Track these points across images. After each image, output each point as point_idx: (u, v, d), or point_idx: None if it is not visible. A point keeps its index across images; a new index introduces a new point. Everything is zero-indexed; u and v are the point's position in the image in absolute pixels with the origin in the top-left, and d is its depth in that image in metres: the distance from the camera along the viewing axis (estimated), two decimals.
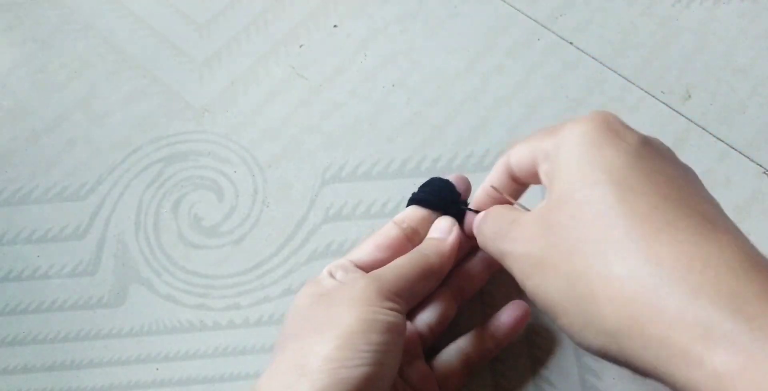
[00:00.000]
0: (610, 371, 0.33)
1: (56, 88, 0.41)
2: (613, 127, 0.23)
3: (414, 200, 0.32)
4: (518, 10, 0.42)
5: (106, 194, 0.38)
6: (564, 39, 0.41)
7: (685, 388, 0.18)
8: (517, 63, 0.40)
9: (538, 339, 0.34)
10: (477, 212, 0.29)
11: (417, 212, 0.32)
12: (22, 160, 0.40)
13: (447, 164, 0.38)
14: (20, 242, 0.38)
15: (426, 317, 0.31)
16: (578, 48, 0.41)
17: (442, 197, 0.32)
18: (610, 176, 0.21)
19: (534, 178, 0.26)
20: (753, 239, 0.21)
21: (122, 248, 0.37)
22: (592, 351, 0.21)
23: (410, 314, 0.31)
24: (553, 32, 0.41)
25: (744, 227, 0.22)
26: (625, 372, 0.33)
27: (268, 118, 0.40)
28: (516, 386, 0.33)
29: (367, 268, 0.30)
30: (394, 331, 0.25)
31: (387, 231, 0.31)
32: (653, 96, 0.39)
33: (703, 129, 0.38)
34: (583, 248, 0.21)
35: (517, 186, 0.29)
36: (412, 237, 0.31)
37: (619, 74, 0.40)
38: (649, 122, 0.38)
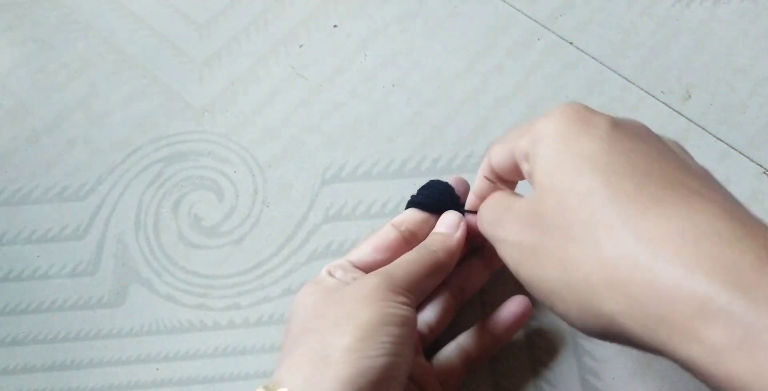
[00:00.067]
0: (610, 371, 0.33)
1: (56, 88, 0.41)
2: (583, 117, 0.23)
3: (413, 203, 0.32)
4: (518, 10, 0.42)
5: (106, 194, 0.38)
6: (564, 39, 0.41)
7: (687, 363, 0.18)
8: (517, 63, 0.40)
9: (538, 339, 0.34)
10: (476, 213, 0.29)
11: (415, 215, 0.32)
12: (22, 160, 0.40)
13: (447, 164, 0.38)
14: (20, 242, 0.38)
15: (426, 317, 0.31)
16: (578, 48, 0.41)
17: (441, 200, 0.32)
18: (590, 163, 0.21)
19: (519, 175, 0.26)
20: None
21: (122, 248, 0.37)
22: (593, 335, 0.21)
23: None
24: (553, 32, 0.41)
25: None
26: (625, 372, 0.33)
27: (268, 118, 0.40)
28: (516, 386, 0.33)
29: (365, 269, 0.30)
30: (408, 324, 0.26)
31: (385, 233, 0.31)
32: (653, 96, 0.39)
33: (703, 129, 0.38)
34: (573, 234, 0.21)
35: (505, 184, 0.29)
36: (410, 240, 0.31)
37: (619, 74, 0.40)
38: (649, 122, 0.38)
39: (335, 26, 0.42)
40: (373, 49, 0.41)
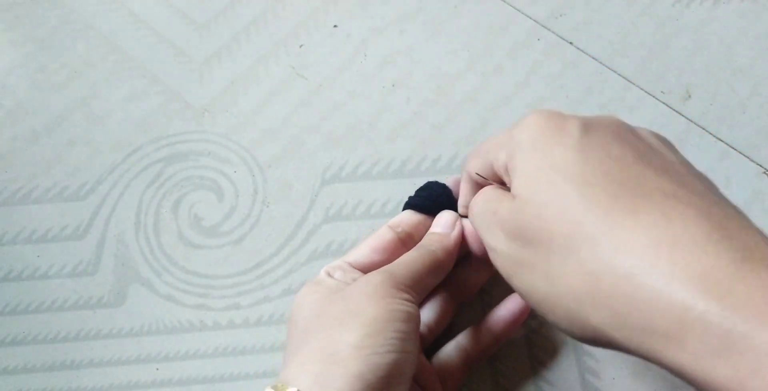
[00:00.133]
0: (610, 370, 0.33)
1: (56, 88, 0.41)
2: (555, 125, 0.23)
3: (410, 205, 0.33)
4: (518, 10, 0.42)
5: (106, 194, 0.38)
6: (564, 39, 0.41)
7: (674, 370, 0.18)
8: (517, 63, 0.40)
9: (538, 339, 0.34)
10: None
11: (412, 216, 0.32)
12: (22, 160, 0.40)
13: (447, 164, 0.38)
14: (20, 242, 0.38)
15: (425, 317, 0.31)
16: (578, 48, 0.41)
17: (438, 202, 0.32)
18: (564, 174, 0.21)
19: (501, 183, 0.27)
20: None
21: (122, 248, 0.37)
22: (585, 343, 0.22)
23: None
24: (553, 32, 0.41)
25: None
26: (625, 372, 0.33)
27: (268, 118, 0.40)
28: (516, 385, 0.33)
29: (363, 270, 0.30)
30: (413, 320, 0.26)
31: (382, 234, 0.31)
32: (653, 96, 0.39)
33: (703, 129, 0.38)
34: (555, 248, 0.21)
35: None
36: (407, 241, 0.31)
37: (619, 74, 0.40)
38: (649, 122, 0.38)
39: (335, 26, 0.42)
40: (373, 49, 0.41)
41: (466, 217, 0.31)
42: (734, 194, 0.37)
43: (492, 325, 0.32)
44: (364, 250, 0.31)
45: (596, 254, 0.20)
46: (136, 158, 0.39)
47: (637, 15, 0.41)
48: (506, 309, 0.32)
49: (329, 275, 0.29)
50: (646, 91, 0.39)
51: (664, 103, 0.39)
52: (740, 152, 0.38)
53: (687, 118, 0.38)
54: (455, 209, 0.32)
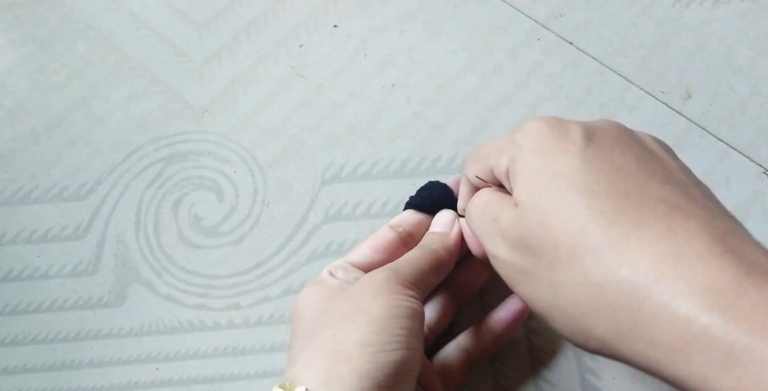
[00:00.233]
0: (610, 370, 0.33)
1: (56, 88, 0.41)
2: (557, 132, 0.23)
3: (410, 205, 0.33)
4: (518, 10, 0.42)
5: (106, 194, 0.38)
6: (564, 39, 0.41)
7: (678, 383, 0.18)
8: (517, 63, 0.40)
9: (538, 339, 0.34)
10: None
11: (414, 216, 0.32)
12: (22, 160, 0.40)
13: (447, 164, 0.38)
14: (20, 242, 0.38)
15: (425, 318, 0.31)
16: (578, 48, 0.41)
17: (438, 201, 0.32)
18: (569, 182, 0.21)
19: (500, 187, 0.27)
20: None
21: (122, 248, 0.37)
22: (588, 352, 0.22)
23: None
24: (553, 32, 0.41)
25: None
26: (625, 372, 0.33)
27: (268, 118, 0.40)
28: (516, 385, 0.33)
29: (364, 269, 0.30)
30: (418, 317, 0.26)
31: (383, 234, 0.31)
32: (653, 96, 0.39)
33: (703, 129, 0.38)
34: (559, 258, 0.21)
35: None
36: (407, 241, 0.31)
37: (619, 74, 0.40)
38: (649, 122, 0.38)
39: (335, 26, 0.42)
40: (373, 49, 0.41)
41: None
42: (734, 194, 0.37)
43: (492, 325, 0.32)
44: (366, 250, 0.31)
45: (601, 266, 0.20)
46: (136, 158, 0.39)
47: (637, 15, 0.41)
48: (506, 309, 0.32)
49: (331, 274, 0.29)
50: (646, 91, 0.39)
51: (664, 103, 0.39)
52: (740, 152, 0.38)
53: (687, 118, 0.38)
54: (456, 208, 0.32)
